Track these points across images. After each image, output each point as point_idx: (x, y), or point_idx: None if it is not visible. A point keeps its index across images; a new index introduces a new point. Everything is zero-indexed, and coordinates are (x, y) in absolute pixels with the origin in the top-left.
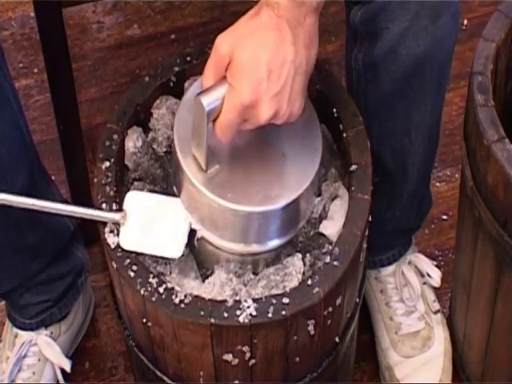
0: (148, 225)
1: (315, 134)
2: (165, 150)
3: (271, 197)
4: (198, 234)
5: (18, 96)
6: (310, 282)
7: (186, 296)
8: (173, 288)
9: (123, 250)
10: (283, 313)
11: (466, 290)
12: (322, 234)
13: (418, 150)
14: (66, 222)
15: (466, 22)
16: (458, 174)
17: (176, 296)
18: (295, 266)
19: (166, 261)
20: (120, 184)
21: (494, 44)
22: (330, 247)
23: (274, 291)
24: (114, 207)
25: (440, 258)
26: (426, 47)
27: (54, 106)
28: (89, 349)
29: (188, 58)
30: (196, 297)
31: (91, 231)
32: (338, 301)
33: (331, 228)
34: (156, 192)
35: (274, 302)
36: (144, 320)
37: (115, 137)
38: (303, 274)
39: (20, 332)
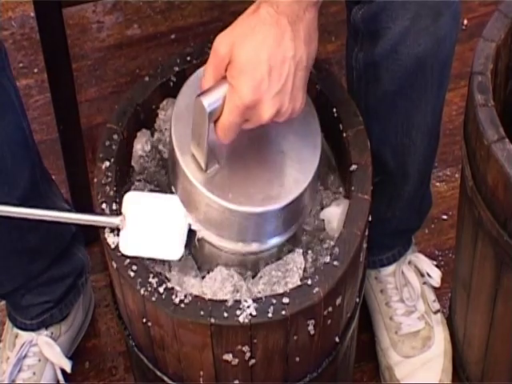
0: (147, 227)
1: (314, 131)
2: None
3: (271, 196)
4: (198, 235)
5: (20, 97)
6: (309, 281)
7: (185, 296)
8: (173, 288)
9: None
10: (283, 313)
11: (466, 290)
12: (323, 229)
13: (419, 150)
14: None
15: (465, 21)
16: (457, 174)
17: (176, 296)
18: (296, 262)
19: (165, 260)
20: (121, 184)
21: (494, 44)
22: (332, 242)
23: (276, 287)
24: (114, 207)
25: (440, 258)
26: (427, 47)
27: (54, 106)
28: (89, 349)
29: (188, 58)
30: (196, 297)
31: (91, 231)
32: (338, 301)
33: (331, 210)
34: (155, 191)
35: (274, 301)
36: (144, 320)
37: (115, 137)
38: (305, 270)
39: (20, 332)
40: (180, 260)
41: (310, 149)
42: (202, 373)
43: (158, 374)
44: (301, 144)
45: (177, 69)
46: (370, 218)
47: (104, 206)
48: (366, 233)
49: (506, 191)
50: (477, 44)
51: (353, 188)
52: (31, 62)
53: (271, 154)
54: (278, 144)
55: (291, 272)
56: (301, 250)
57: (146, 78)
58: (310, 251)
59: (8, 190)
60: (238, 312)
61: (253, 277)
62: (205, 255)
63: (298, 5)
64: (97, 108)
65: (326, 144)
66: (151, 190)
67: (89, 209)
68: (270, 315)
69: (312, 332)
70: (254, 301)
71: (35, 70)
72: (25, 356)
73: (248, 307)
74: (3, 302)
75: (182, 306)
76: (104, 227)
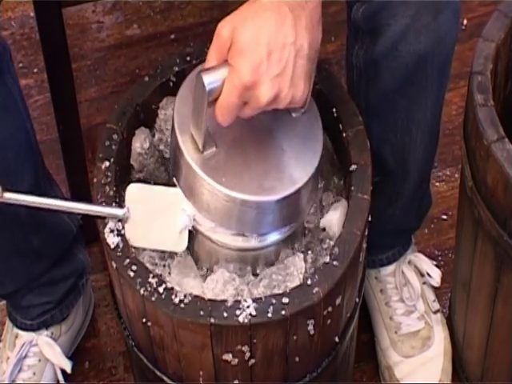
0: (151, 219)
1: (317, 133)
2: None
3: (265, 188)
4: (199, 229)
5: (24, 99)
6: (309, 281)
7: (185, 296)
8: (172, 288)
9: (131, 247)
10: (283, 312)
11: (466, 290)
12: (323, 230)
13: (419, 148)
14: (68, 224)
15: (465, 21)
16: (457, 174)
17: (176, 296)
18: (296, 266)
19: (165, 262)
20: (121, 183)
21: (494, 44)
22: (332, 243)
23: (276, 291)
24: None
25: (440, 258)
26: (428, 44)
27: (53, 106)
28: (89, 349)
29: (188, 58)
30: (196, 297)
31: (91, 231)
32: (338, 301)
33: (330, 216)
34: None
35: (274, 301)
36: (144, 320)
37: (115, 137)
38: (305, 271)
39: (20, 332)
40: (179, 260)
41: (310, 150)
42: (201, 373)
43: (158, 373)
44: (302, 145)
45: (176, 69)
46: (369, 218)
47: (104, 205)
48: (366, 233)
49: (505, 191)
50: (476, 44)
51: (352, 188)
52: (31, 62)
53: (271, 149)
54: (279, 140)
55: (291, 276)
56: (301, 255)
57: (146, 78)
58: (309, 252)
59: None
60: (238, 312)
61: (252, 274)
62: (205, 253)
63: None
64: (96, 108)
65: (331, 144)
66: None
67: None
68: (269, 315)
69: (312, 332)
70: (254, 301)
71: (35, 70)
72: (25, 356)
73: (248, 307)
74: (3, 302)
75: (182, 305)
76: (104, 225)
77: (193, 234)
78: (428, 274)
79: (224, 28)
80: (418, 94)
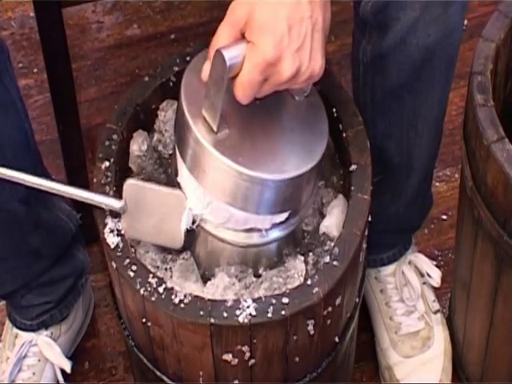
0: (149, 214)
1: (321, 115)
2: (171, 152)
3: (279, 168)
4: (202, 225)
5: (22, 98)
6: (309, 281)
7: (185, 296)
8: (172, 288)
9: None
10: (283, 313)
11: (466, 290)
12: (323, 233)
13: (424, 144)
14: (67, 223)
15: (465, 21)
16: (457, 174)
17: (176, 296)
18: (297, 269)
19: (167, 265)
20: (121, 183)
21: (494, 44)
22: (332, 244)
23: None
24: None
25: (440, 258)
26: (436, 37)
27: (53, 106)
28: (88, 349)
29: (188, 58)
30: (196, 297)
31: (91, 231)
32: (338, 301)
33: (328, 222)
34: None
35: (274, 301)
36: (143, 320)
37: (115, 137)
38: (306, 272)
39: (20, 332)
40: (180, 262)
41: (318, 131)
42: (201, 373)
43: (158, 374)
44: (309, 126)
45: (176, 69)
46: (369, 218)
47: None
48: (366, 233)
49: (505, 191)
50: (476, 44)
51: (352, 188)
52: (31, 62)
53: (280, 130)
54: (287, 122)
55: (292, 279)
56: (302, 257)
57: (146, 78)
58: (310, 253)
59: (9, 191)
60: (238, 312)
61: (254, 276)
62: (207, 253)
63: None
64: (96, 108)
65: (331, 141)
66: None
67: (88, 208)
68: (269, 315)
69: (312, 332)
70: (254, 301)
71: (35, 70)
72: (25, 356)
73: (248, 307)
74: (3, 302)
75: (182, 306)
76: (104, 226)
77: (195, 234)
78: (428, 275)
79: (239, 6)
80: (424, 88)
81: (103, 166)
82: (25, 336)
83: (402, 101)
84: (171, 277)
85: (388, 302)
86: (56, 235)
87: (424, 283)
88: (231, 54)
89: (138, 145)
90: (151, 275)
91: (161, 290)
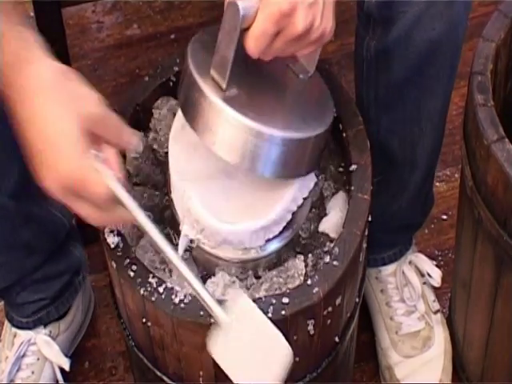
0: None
1: (326, 93)
2: (166, 150)
3: (288, 127)
4: (196, 244)
5: None
6: (309, 281)
7: (185, 296)
8: (172, 288)
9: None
10: (283, 312)
11: (466, 290)
12: (322, 233)
13: (428, 139)
14: (61, 219)
15: None
16: (457, 174)
17: (176, 296)
18: (297, 269)
19: (165, 266)
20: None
21: (494, 44)
22: (331, 245)
23: None
24: None
25: (440, 258)
26: (441, 31)
27: None
28: (88, 348)
29: None
30: (196, 296)
31: (91, 231)
32: (338, 301)
33: (327, 222)
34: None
35: (274, 301)
36: (144, 320)
37: None
38: (306, 274)
39: (19, 331)
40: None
41: (324, 102)
42: (201, 373)
43: (158, 373)
44: (315, 98)
45: (176, 69)
46: (369, 218)
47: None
48: (366, 233)
49: (505, 191)
50: (477, 44)
51: (353, 188)
52: None
53: (289, 94)
54: (294, 91)
55: (292, 278)
56: (302, 257)
57: (146, 78)
58: (310, 254)
59: None
60: None
61: (254, 277)
62: (205, 260)
63: None
64: None
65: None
66: (150, 196)
67: None
68: (269, 315)
69: (312, 332)
70: (254, 301)
71: None
72: (23, 355)
73: None
74: (2, 302)
75: (182, 305)
76: None
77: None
78: (428, 274)
79: None
80: (428, 84)
81: None
82: (23, 335)
83: (406, 97)
84: (170, 276)
85: (388, 302)
86: (48, 229)
87: (424, 283)
88: (245, 4)
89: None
90: (151, 275)
91: (161, 289)
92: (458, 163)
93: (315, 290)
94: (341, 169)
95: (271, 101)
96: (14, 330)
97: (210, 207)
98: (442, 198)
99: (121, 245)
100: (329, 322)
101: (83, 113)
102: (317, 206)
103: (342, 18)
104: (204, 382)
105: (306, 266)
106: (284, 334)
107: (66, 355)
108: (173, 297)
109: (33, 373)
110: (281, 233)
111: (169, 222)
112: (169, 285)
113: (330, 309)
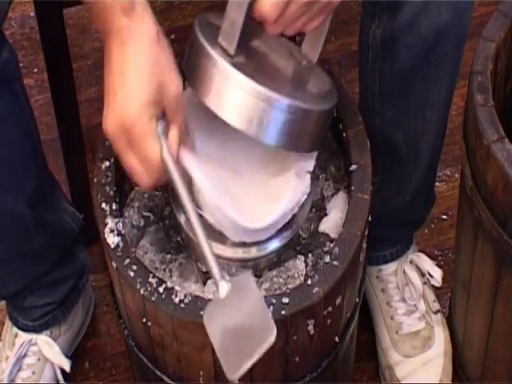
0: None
1: (330, 83)
2: None
3: (296, 97)
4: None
5: (29, 102)
6: (309, 281)
7: (185, 296)
8: (172, 288)
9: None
10: (283, 312)
11: (466, 290)
12: (322, 233)
13: (432, 130)
14: (70, 224)
15: None
16: (457, 174)
17: (176, 295)
18: (297, 269)
19: (166, 266)
20: (120, 185)
21: (494, 44)
22: (331, 245)
23: None
24: (114, 207)
25: (440, 258)
26: (448, 17)
27: (54, 106)
28: (89, 349)
29: None
30: (196, 296)
31: (91, 231)
32: (338, 300)
33: (327, 222)
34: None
35: (274, 301)
36: (144, 320)
37: None
38: (306, 274)
39: (20, 332)
40: (180, 262)
41: (327, 92)
42: (201, 373)
43: (158, 373)
44: (320, 86)
45: None
46: (369, 218)
47: (104, 205)
48: (366, 233)
49: (505, 191)
50: (477, 44)
51: (352, 188)
52: (31, 62)
53: (292, 78)
54: (298, 76)
55: (293, 279)
56: (302, 257)
57: None
58: (310, 254)
59: (16, 194)
60: None
61: (255, 276)
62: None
63: None
64: (97, 108)
65: (331, 134)
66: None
67: (88, 208)
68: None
69: (312, 332)
70: None
71: (35, 70)
72: (24, 355)
73: None
74: (3, 302)
75: (182, 305)
76: (104, 226)
77: (193, 241)
78: (429, 274)
79: None
80: (434, 73)
81: (103, 166)
82: (24, 335)
83: (411, 86)
84: (171, 277)
85: (389, 302)
86: (59, 236)
87: (424, 283)
88: None
89: None
90: (151, 275)
91: (161, 289)
92: (458, 163)
93: (315, 289)
94: (341, 169)
95: (277, 75)
96: (14, 330)
97: (214, 187)
98: (442, 198)
99: (121, 245)
100: (329, 321)
101: (162, 88)
102: (317, 206)
103: (342, 18)
104: (204, 381)
105: (306, 265)
106: (284, 334)
107: (67, 355)
108: (173, 297)
109: (33, 373)
110: (281, 232)
111: (169, 222)
112: (169, 285)
113: (330, 309)
